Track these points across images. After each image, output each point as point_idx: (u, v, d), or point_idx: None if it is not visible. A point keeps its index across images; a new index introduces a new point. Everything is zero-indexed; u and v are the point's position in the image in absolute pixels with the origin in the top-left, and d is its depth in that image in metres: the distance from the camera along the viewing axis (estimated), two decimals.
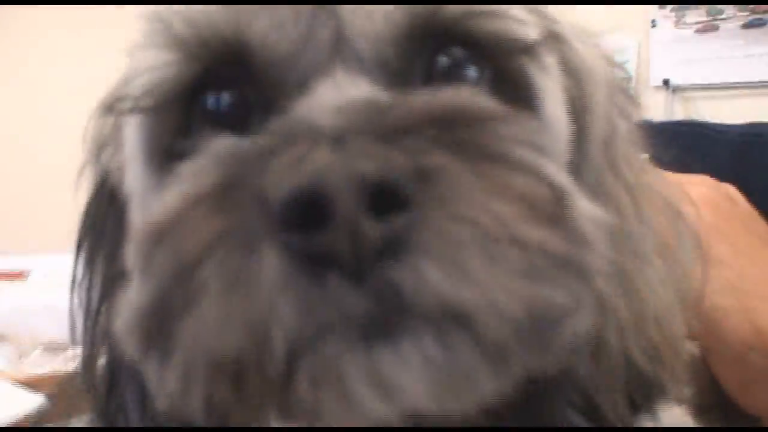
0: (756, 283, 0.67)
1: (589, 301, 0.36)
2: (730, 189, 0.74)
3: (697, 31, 3.17)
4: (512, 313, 0.33)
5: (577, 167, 0.48)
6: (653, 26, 3.18)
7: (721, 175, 0.73)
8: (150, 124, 0.46)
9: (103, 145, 0.53)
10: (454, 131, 0.35)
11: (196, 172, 0.37)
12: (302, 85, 0.41)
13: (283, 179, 0.32)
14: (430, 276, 0.32)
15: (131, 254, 0.37)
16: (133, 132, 0.47)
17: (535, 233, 0.34)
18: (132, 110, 0.45)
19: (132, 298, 0.36)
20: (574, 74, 0.49)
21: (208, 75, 0.44)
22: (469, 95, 0.39)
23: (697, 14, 3.16)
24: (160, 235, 0.36)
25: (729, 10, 3.13)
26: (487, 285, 0.33)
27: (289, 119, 0.38)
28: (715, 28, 3.16)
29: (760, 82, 3.11)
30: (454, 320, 0.33)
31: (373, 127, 0.34)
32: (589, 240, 0.36)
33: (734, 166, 0.83)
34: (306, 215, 0.32)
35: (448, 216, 0.33)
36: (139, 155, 0.47)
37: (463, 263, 0.32)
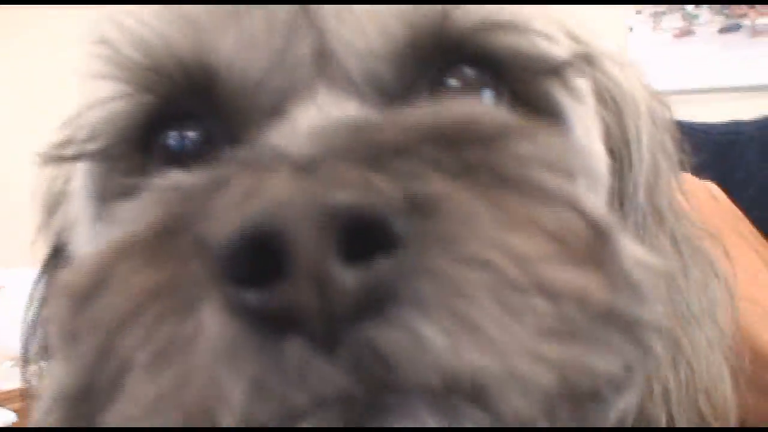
0: (740, 283, 0.66)
1: (642, 370, 0.30)
2: (712, 187, 0.72)
3: (675, 36, 3.19)
4: (541, 383, 0.26)
5: (617, 212, 0.41)
6: (630, 32, 3.19)
7: (704, 173, 0.73)
8: (100, 172, 0.38)
9: (56, 204, 0.45)
10: (459, 151, 0.28)
11: (129, 216, 0.30)
12: (277, 111, 0.34)
13: (226, 218, 0.25)
14: (428, 338, 0.25)
15: (52, 324, 0.30)
16: (80, 183, 0.39)
17: (569, 277, 0.27)
18: (78, 157, 0.38)
19: (54, 381, 0.29)
20: (612, 105, 0.42)
21: (167, 108, 0.37)
22: (478, 107, 0.31)
23: (673, 19, 3.18)
24: (82, 298, 0.28)
25: (705, 15, 3.15)
26: (506, 348, 0.25)
27: (251, 147, 0.31)
28: (692, 33, 3.17)
29: (737, 86, 3.12)
30: (462, 396, 0.25)
31: (356, 149, 0.27)
32: (640, 288, 0.29)
33: (716, 164, 0.82)
34: (258, 263, 0.24)
35: (451, 257, 0.25)
36: (87, 211, 0.39)
37: (473, 319, 0.25)
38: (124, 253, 0.28)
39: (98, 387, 0.27)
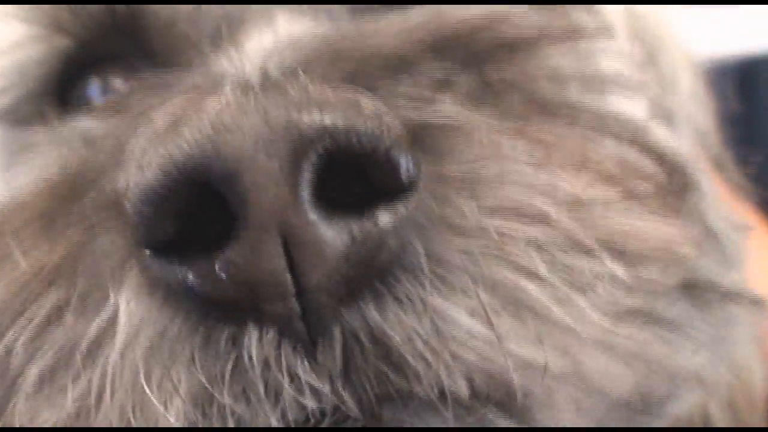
0: None
1: (724, 361, 0.23)
2: None
3: None
4: (611, 386, 0.19)
5: None
6: None
7: None
8: (10, 135, 0.32)
9: None
10: (477, 64, 0.20)
11: (22, 177, 0.24)
12: (222, 40, 0.27)
13: (144, 158, 0.17)
14: (457, 324, 0.17)
15: None
16: None
17: (645, 229, 0.20)
18: None
19: None
20: (649, 52, 0.35)
21: (87, 51, 0.31)
22: (497, 5, 0.24)
23: None
24: None
25: None
26: (570, 336, 0.18)
27: (180, 76, 0.23)
28: None
29: None
30: (495, 407, 0.18)
31: (333, 62, 0.19)
32: (727, 248, 0.23)
33: None
34: (195, 218, 0.16)
35: (482, 207, 0.18)
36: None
37: (523, 295, 0.18)
38: (9, 224, 0.20)
39: None
